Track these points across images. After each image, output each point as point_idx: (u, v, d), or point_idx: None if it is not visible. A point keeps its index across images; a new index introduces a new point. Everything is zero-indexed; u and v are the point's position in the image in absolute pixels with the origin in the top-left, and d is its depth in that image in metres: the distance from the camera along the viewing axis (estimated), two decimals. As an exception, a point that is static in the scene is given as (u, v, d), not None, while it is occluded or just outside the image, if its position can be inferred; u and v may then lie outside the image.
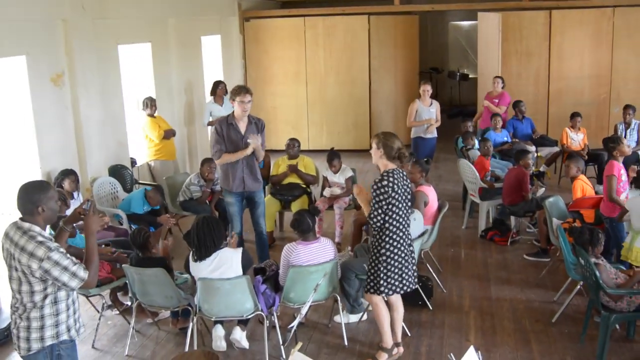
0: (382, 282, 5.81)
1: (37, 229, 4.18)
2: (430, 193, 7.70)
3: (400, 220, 5.75)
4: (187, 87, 12.35)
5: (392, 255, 5.76)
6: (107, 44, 9.76)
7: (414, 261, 5.98)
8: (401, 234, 5.78)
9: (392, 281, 5.80)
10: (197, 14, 12.82)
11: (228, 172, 7.56)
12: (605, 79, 14.01)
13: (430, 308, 7.16)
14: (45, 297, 4.20)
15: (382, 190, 5.61)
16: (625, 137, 11.04)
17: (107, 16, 9.60)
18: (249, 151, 7.36)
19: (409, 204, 5.86)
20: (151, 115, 10.39)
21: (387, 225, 5.72)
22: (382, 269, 5.79)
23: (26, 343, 4.27)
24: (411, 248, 5.94)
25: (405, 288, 5.90)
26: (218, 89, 11.27)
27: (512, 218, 9.23)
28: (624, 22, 13.79)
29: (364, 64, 14.71)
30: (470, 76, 19.49)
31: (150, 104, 10.35)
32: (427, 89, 10.72)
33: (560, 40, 13.84)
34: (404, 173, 5.85)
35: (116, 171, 9.62)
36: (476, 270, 8.33)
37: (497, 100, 11.90)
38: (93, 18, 9.18)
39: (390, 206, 5.65)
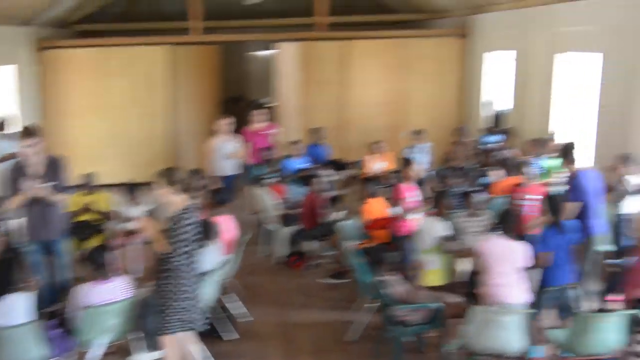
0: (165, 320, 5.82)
1: None
2: (225, 222, 7.70)
3: (190, 257, 5.74)
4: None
5: (179, 292, 5.76)
6: None
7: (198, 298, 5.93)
8: (189, 270, 5.76)
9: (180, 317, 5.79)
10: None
11: (23, 219, 7.07)
12: (398, 106, 14.83)
13: (234, 337, 7.16)
14: None
15: (183, 226, 5.64)
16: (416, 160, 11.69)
17: None
18: (27, 196, 6.82)
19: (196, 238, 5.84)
20: None
21: (181, 261, 5.72)
22: (169, 306, 5.79)
23: None
24: (196, 284, 5.90)
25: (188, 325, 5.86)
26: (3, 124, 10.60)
27: (312, 242, 9.44)
28: (413, 52, 14.72)
29: (165, 94, 14.50)
30: (272, 105, 19.77)
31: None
32: (227, 122, 10.68)
33: (354, 70, 14.50)
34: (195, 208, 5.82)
35: None
36: (277, 296, 8.43)
37: (269, 132, 11.88)
38: None
39: (185, 242, 5.66)
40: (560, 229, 6.37)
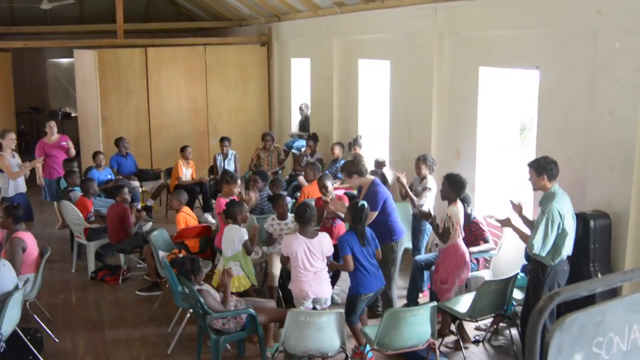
0: None
1: None
2: (28, 239, 7.29)
3: None
4: None
5: None
6: None
7: None
8: None
9: None
10: None
11: None
12: (202, 113, 14.76)
13: (40, 361, 6.80)
14: None
15: None
16: (223, 167, 11.74)
17: None
18: None
19: None
20: None
21: None
22: None
23: None
24: None
25: None
26: None
27: (122, 255, 9.18)
28: (214, 59, 14.73)
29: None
30: (73, 115, 19.02)
31: None
32: (13, 137, 10.06)
33: (157, 77, 14.19)
34: None
35: None
36: (89, 313, 8.12)
37: (64, 143, 11.39)
38: None
39: None
40: (361, 237, 6.52)
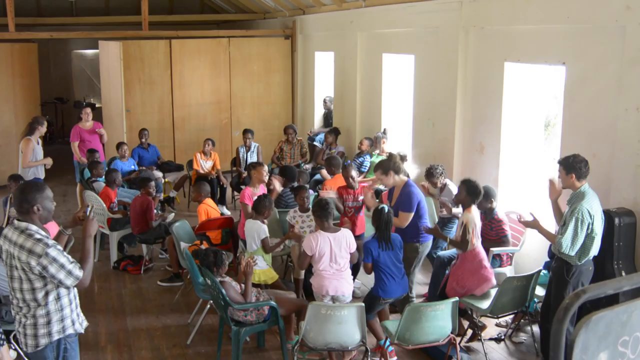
0: None
1: (33, 227, 4.33)
2: (52, 228, 7.34)
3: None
4: None
5: None
6: None
7: None
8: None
9: None
10: None
11: None
12: (225, 105, 14.80)
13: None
14: (47, 293, 4.35)
15: None
16: (246, 159, 11.77)
17: None
18: None
19: None
20: None
21: None
22: None
23: (34, 340, 4.40)
24: None
25: None
26: None
27: (144, 246, 9.24)
28: (238, 51, 14.74)
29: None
30: (97, 105, 19.15)
31: None
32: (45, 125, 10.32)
33: (181, 69, 14.23)
34: None
35: None
36: (111, 302, 8.19)
37: (98, 130, 11.71)
38: None
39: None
40: (386, 245, 6.44)
